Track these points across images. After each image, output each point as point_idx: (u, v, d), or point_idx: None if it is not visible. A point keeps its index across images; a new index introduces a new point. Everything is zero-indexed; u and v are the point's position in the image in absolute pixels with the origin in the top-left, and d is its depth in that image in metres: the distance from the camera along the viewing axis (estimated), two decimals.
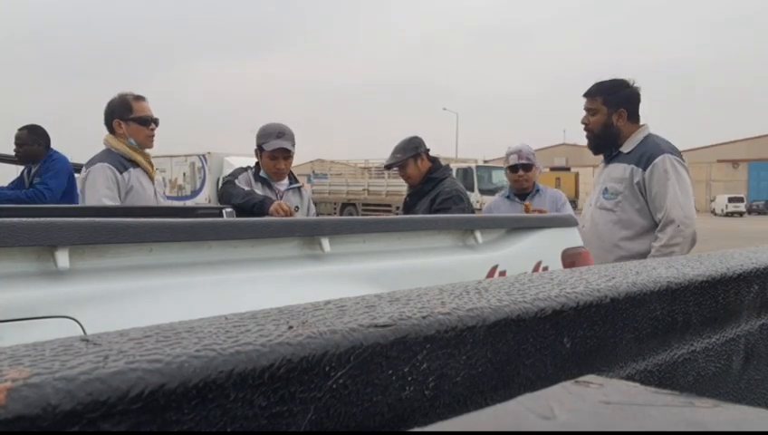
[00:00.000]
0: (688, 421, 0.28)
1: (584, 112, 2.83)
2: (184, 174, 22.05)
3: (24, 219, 1.14)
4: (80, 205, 4.44)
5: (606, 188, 2.77)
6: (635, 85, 2.82)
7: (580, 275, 0.66)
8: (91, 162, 2.88)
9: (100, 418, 0.29)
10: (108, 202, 2.73)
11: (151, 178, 3.01)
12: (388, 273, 1.65)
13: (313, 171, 28.39)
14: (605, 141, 2.80)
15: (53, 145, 4.30)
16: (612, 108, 2.75)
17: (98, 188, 2.76)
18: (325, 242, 1.57)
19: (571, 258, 2.08)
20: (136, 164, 2.91)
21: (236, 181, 2.91)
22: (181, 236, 1.35)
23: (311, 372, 0.37)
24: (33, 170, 4.21)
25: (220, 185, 3.13)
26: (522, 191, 3.57)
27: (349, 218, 1.77)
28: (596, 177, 2.96)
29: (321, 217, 1.80)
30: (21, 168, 4.36)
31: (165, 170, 23.16)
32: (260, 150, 2.98)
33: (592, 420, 0.28)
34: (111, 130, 2.96)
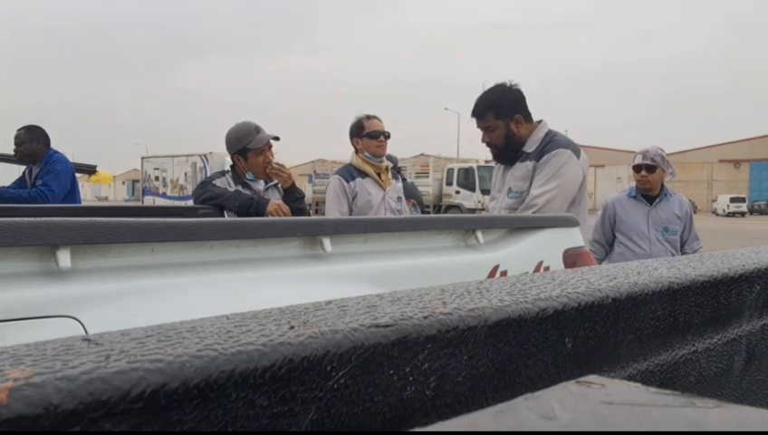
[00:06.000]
0: (690, 422, 0.28)
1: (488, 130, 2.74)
2: (185, 174, 22.07)
3: (25, 219, 1.14)
4: (80, 205, 4.45)
5: (510, 188, 2.73)
6: (513, 85, 2.74)
7: (582, 276, 0.66)
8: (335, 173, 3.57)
9: (101, 417, 0.29)
10: (335, 212, 3.22)
11: (381, 186, 3.35)
12: (390, 273, 1.65)
13: (315, 171, 28.39)
14: (512, 151, 2.74)
15: (54, 144, 4.31)
16: (507, 118, 2.68)
17: (329, 198, 3.33)
18: (326, 242, 1.57)
19: (573, 258, 2.07)
20: (365, 174, 3.32)
21: (214, 183, 2.90)
22: (183, 235, 1.35)
23: (312, 372, 0.37)
24: (35, 171, 4.21)
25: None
26: (646, 192, 3.54)
27: (350, 218, 1.77)
28: (497, 180, 2.90)
29: (322, 217, 1.80)
30: (23, 167, 4.37)
31: (166, 170, 23.20)
32: (243, 152, 2.93)
33: (594, 421, 0.28)
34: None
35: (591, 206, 3.32)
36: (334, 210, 3.26)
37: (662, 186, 3.55)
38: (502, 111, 2.69)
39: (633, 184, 3.65)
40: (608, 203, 3.70)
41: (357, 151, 3.39)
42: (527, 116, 2.72)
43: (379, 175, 3.35)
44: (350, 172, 3.33)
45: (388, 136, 3.42)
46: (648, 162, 3.45)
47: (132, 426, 0.30)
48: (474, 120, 2.77)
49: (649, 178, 3.46)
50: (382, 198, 3.30)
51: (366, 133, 3.35)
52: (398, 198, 3.42)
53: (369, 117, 3.43)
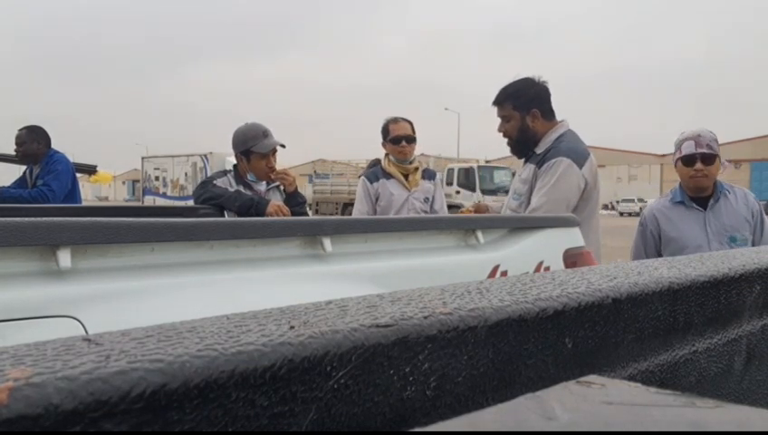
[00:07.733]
0: (690, 422, 0.28)
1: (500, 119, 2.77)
2: (186, 174, 22.08)
3: (26, 219, 1.14)
4: (81, 205, 4.45)
5: (515, 190, 2.76)
6: (542, 81, 2.74)
7: (582, 276, 0.66)
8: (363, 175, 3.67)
9: (101, 417, 0.29)
10: (357, 213, 3.38)
11: (406, 187, 3.41)
12: (390, 273, 1.65)
13: (315, 171, 28.39)
14: (525, 145, 2.75)
15: (55, 145, 4.31)
16: (524, 111, 2.69)
17: (356, 200, 3.50)
18: (327, 242, 1.57)
19: (573, 258, 2.07)
20: (391, 175, 3.40)
21: (215, 183, 2.91)
22: (183, 235, 1.35)
23: (312, 372, 0.37)
24: (36, 171, 4.22)
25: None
26: (699, 192, 2.57)
27: (350, 218, 1.77)
28: (516, 176, 2.94)
29: (322, 217, 1.80)
30: (24, 167, 4.38)
31: (167, 170, 23.21)
32: (247, 154, 2.92)
33: (594, 421, 0.28)
34: None
35: None
36: (357, 211, 3.42)
37: (714, 181, 2.56)
38: (520, 102, 2.70)
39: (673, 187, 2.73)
40: (646, 217, 2.75)
41: (386, 154, 3.45)
42: (546, 113, 2.72)
43: (406, 176, 3.42)
44: (375, 174, 3.43)
45: (410, 140, 3.39)
46: (705, 150, 2.47)
47: (132, 426, 0.30)
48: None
49: (707, 173, 2.48)
50: (406, 199, 3.36)
51: (390, 138, 3.40)
52: (426, 199, 3.43)
53: (395, 120, 3.45)
